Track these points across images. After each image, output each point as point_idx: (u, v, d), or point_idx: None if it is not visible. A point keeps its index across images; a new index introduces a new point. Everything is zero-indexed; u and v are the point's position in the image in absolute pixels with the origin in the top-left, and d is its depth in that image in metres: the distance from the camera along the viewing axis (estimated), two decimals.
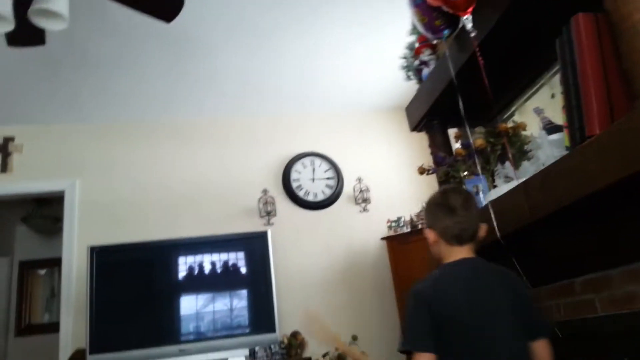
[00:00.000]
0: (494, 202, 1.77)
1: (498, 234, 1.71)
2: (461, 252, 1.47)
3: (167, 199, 3.90)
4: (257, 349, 3.26)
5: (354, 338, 3.60)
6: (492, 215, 1.72)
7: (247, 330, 3.37)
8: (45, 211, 4.84)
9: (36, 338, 4.80)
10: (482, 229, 1.52)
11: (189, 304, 3.44)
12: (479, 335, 1.31)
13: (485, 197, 1.98)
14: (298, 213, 4.02)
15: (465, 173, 2.20)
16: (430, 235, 1.54)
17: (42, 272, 5.21)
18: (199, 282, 3.47)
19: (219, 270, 3.52)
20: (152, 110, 3.98)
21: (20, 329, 4.92)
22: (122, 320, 3.29)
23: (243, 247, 3.61)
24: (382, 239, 3.75)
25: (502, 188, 1.88)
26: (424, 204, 1.56)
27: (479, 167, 2.05)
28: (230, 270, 3.54)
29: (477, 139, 2.05)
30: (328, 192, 4.08)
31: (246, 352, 3.26)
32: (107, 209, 3.81)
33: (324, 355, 3.40)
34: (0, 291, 4.96)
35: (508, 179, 2.08)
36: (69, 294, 3.57)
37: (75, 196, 3.82)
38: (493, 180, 2.14)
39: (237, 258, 3.58)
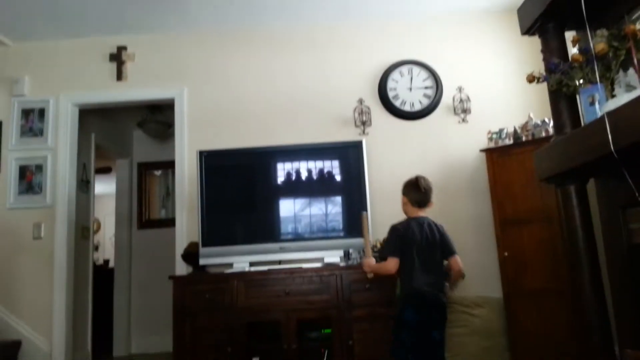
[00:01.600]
0: (611, 113, 1.63)
1: (612, 147, 1.60)
2: (419, 212, 2.60)
3: (267, 107, 4.02)
4: (350, 250, 3.42)
5: None
6: (607, 127, 1.60)
7: (342, 234, 3.55)
8: (158, 117, 5.20)
9: (155, 231, 5.41)
10: (431, 204, 2.64)
11: (287, 207, 3.66)
12: (424, 253, 2.48)
13: (602, 108, 1.83)
14: (393, 123, 3.98)
15: (581, 81, 2.03)
16: (405, 200, 2.63)
17: (158, 173, 5.73)
18: (296, 188, 3.66)
19: (315, 177, 3.66)
20: (251, 17, 4.01)
21: (141, 223, 5.55)
22: (230, 218, 3.59)
23: (338, 155, 3.69)
24: (482, 150, 3.64)
25: (623, 98, 1.72)
26: (409, 180, 2.74)
27: (597, 75, 1.88)
28: (325, 178, 3.66)
29: (599, 43, 1.87)
30: (426, 101, 3.97)
31: (341, 253, 3.45)
32: (213, 115, 4.03)
33: None
34: (124, 189, 5.56)
35: (630, 87, 1.89)
36: (182, 193, 3.92)
37: (184, 103, 4.06)
38: (612, 90, 1.96)
39: (333, 166, 3.69)
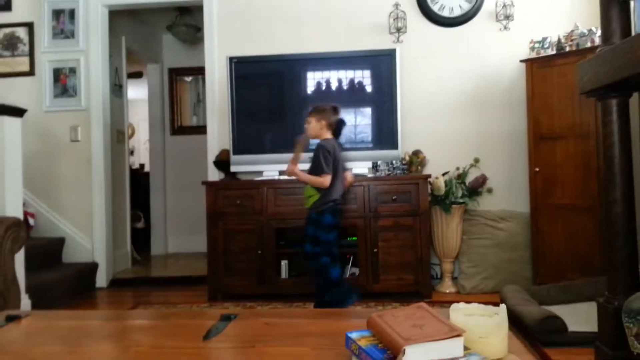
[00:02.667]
0: None
1: None
2: (330, 134, 2.85)
3: (298, 12, 3.87)
4: (379, 162, 3.43)
5: (476, 160, 3.62)
6: None
7: (370, 146, 3.54)
8: (187, 20, 5.09)
9: (187, 137, 5.52)
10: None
11: None
12: (341, 168, 2.82)
13: None
14: (430, 30, 3.79)
15: None
16: (322, 123, 2.82)
17: (188, 79, 5.71)
18: (326, 97, 3.58)
19: (345, 87, 3.59)
20: None
21: (174, 129, 5.64)
22: (260, 127, 3.62)
23: (371, 64, 3.59)
24: (522, 61, 3.46)
25: None
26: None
27: None
28: (356, 88, 3.59)
29: None
30: (466, 6, 3.73)
31: (369, 164, 3.46)
32: (243, 20, 3.91)
33: (443, 174, 3.50)
34: (155, 95, 5.60)
35: None
36: (213, 100, 3.93)
37: (213, 5, 3.94)
38: None
39: (364, 76, 3.60)
